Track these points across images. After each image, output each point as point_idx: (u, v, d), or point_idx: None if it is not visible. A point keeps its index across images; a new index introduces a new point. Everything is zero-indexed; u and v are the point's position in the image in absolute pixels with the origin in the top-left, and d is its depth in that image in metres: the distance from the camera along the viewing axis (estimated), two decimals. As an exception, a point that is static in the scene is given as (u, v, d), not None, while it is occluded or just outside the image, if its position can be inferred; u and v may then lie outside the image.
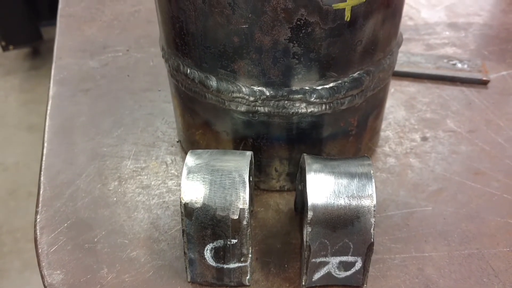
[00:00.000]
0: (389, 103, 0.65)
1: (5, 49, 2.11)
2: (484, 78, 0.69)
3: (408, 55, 0.73)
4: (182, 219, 0.41)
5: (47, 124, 0.63)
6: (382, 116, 0.56)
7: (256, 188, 0.54)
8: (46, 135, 0.61)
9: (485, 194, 0.53)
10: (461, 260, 0.47)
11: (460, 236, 0.49)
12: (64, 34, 0.81)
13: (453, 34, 0.81)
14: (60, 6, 0.87)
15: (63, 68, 0.72)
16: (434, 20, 0.85)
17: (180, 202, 0.40)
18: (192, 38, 0.44)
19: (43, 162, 0.57)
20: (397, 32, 0.49)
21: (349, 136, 0.51)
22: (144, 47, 0.77)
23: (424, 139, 0.60)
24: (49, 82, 0.70)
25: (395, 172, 0.56)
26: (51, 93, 0.68)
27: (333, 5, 0.39)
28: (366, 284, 0.43)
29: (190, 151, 0.44)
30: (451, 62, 0.72)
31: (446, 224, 0.50)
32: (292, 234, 0.49)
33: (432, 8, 0.88)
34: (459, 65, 0.71)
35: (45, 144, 0.60)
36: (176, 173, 0.55)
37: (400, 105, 0.65)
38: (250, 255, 0.42)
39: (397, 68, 0.69)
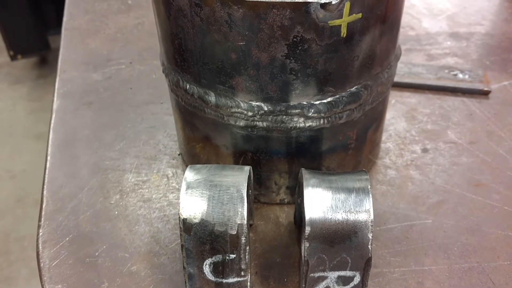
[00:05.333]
0: (390, 114, 0.65)
1: (13, 58, 2.13)
2: (486, 89, 0.69)
3: (409, 65, 0.74)
4: (181, 234, 0.41)
5: (50, 137, 0.63)
6: (381, 129, 0.56)
7: (256, 201, 0.54)
8: (49, 149, 0.62)
9: (485, 206, 0.53)
10: (461, 274, 0.47)
11: (460, 249, 0.49)
12: (68, 47, 0.82)
13: (455, 44, 0.81)
14: (64, 19, 0.89)
15: (67, 81, 0.73)
16: (435, 30, 0.85)
17: (179, 217, 0.41)
18: (191, 55, 0.44)
19: (46, 175, 0.58)
20: (395, 45, 0.49)
21: (348, 149, 0.51)
22: (147, 60, 0.78)
23: (425, 150, 0.60)
24: (53, 95, 0.71)
25: (395, 185, 0.56)
26: (54, 106, 0.68)
27: (329, 22, 0.39)
28: (365, 299, 0.43)
29: (189, 166, 0.45)
30: (453, 73, 0.72)
31: (446, 237, 0.50)
32: (291, 248, 0.49)
33: (433, 18, 0.88)
34: (461, 76, 0.71)
35: (48, 158, 0.60)
36: (177, 186, 0.56)
37: (401, 117, 0.65)
38: (249, 270, 0.42)
39: (398, 79, 0.70)
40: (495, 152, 0.60)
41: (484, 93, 0.69)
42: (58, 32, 0.85)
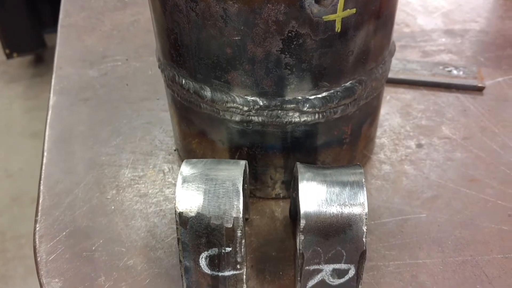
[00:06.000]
0: (385, 110, 0.66)
1: (9, 56, 2.13)
2: (480, 85, 0.69)
3: (404, 62, 0.74)
4: (177, 228, 0.41)
5: (46, 133, 0.63)
6: (376, 124, 0.57)
7: (252, 196, 0.54)
8: (45, 145, 0.62)
9: (479, 201, 0.54)
10: (455, 267, 0.47)
11: (454, 243, 0.49)
12: (65, 44, 0.82)
13: (450, 41, 0.81)
14: (60, 16, 0.89)
15: (63, 78, 0.74)
16: (430, 27, 0.85)
17: (175, 211, 0.41)
18: (187, 50, 0.45)
19: (43, 171, 0.58)
20: (390, 41, 0.50)
21: (343, 144, 0.52)
22: (143, 57, 0.78)
23: (419, 146, 0.61)
24: (49, 91, 0.71)
25: (390, 179, 0.56)
26: (51, 102, 0.69)
27: (323, 17, 0.40)
28: (359, 291, 0.44)
29: (185, 160, 0.45)
30: (447, 69, 0.72)
31: (440, 231, 0.51)
32: (287, 242, 0.50)
33: (428, 15, 0.89)
34: (455, 72, 0.72)
35: (45, 154, 0.60)
36: (173, 182, 0.56)
37: (395, 112, 0.66)
38: (244, 263, 0.43)
39: (393, 75, 0.70)
40: (489, 148, 0.60)
41: (478, 89, 0.70)
42: (54, 30, 0.85)
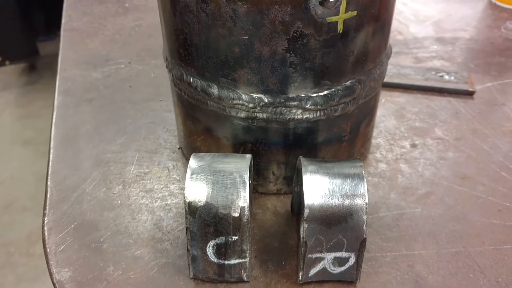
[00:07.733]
0: (380, 112, 0.68)
1: (1, 64, 2.14)
2: (470, 89, 0.73)
3: (398, 67, 0.77)
4: (186, 217, 0.43)
5: (52, 132, 0.65)
6: (373, 123, 0.59)
7: (254, 191, 0.56)
8: (52, 143, 0.63)
9: (471, 197, 0.56)
10: (448, 258, 0.50)
11: (448, 236, 0.52)
12: (68, 48, 0.84)
13: (441, 48, 0.85)
14: (63, 20, 0.91)
15: (68, 79, 0.75)
16: (422, 35, 0.89)
17: (185, 201, 0.43)
18: (196, 49, 0.47)
19: (50, 167, 0.60)
20: (387, 44, 0.52)
21: (342, 141, 0.54)
22: (145, 60, 0.80)
23: (414, 146, 0.63)
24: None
25: (386, 177, 0.59)
26: (56, 103, 0.70)
27: (326, 18, 0.42)
28: (359, 280, 0.46)
29: (193, 154, 0.47)
30: (439, 74, 0.75)
31: (435, 225, 0.53)
32: (289, 234, 0.52)
33: (420, 24, 0.92)
34: (447, 77, 0.75)
35: (51, 151, 0.62)
36: (178, 178, 0.58)
37: (390, 115, 0.69)
38: (249, 252, 0.45)
39: (388, 79, 0.73)
40: (480, 148, 0.63)
41: (469, 94, 0.73)
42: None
